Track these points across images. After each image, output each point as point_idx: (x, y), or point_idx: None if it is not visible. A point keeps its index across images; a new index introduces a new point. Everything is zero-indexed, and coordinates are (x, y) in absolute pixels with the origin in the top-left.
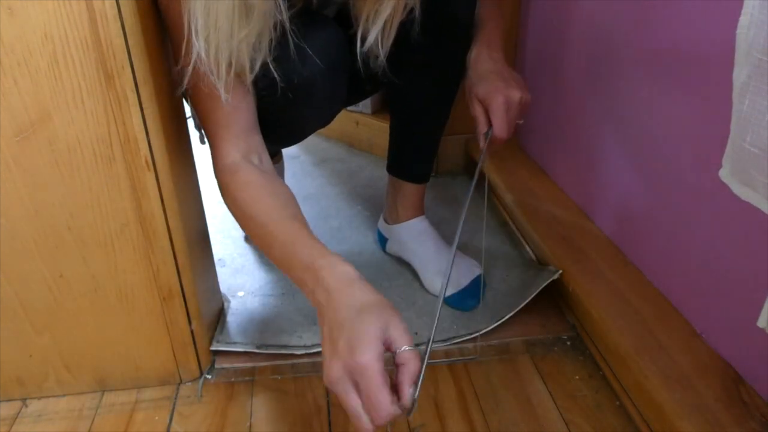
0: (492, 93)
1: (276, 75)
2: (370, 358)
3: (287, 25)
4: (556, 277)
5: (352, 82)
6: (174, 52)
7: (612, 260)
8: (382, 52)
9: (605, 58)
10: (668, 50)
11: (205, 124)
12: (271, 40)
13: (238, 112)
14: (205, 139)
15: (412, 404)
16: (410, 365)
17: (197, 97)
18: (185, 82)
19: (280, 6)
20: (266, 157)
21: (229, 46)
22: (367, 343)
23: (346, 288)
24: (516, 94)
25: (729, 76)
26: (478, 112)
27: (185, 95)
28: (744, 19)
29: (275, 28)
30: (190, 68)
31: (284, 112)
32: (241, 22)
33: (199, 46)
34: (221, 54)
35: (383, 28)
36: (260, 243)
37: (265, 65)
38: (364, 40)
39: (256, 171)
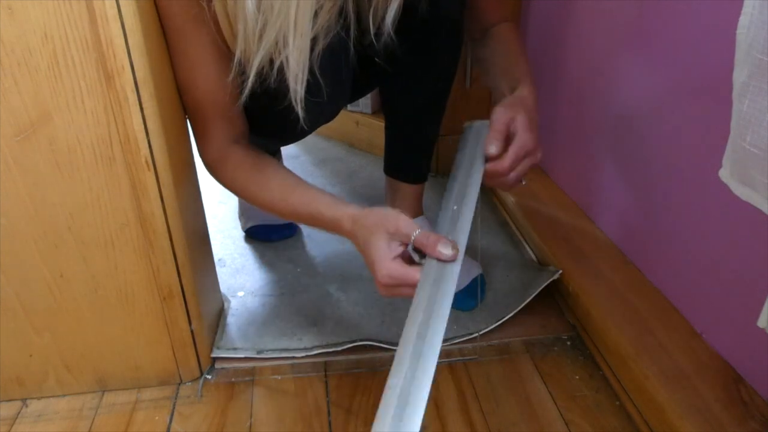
0: (522, 113)
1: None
2: (384, 267)
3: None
4: (556, 277)
5: (353, 78)
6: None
7: (612, 260)
8: (390, 18)
9: (605, 58)
10: (669, 49)
11: (197, 110)
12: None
13: (231, 98)
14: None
15: (457, 247)
16: (428, 241)
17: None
18: (249, 84)
19: None
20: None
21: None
22: (378, 260)
23: (361, 228)
24: (539, 151)
25: (729, 75)
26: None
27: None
28: (744, 19)
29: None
30: (254, 66)
31: (289, 111)
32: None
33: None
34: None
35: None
36: (283, 215)
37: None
38: (376, 22)
39: (249, 152)
